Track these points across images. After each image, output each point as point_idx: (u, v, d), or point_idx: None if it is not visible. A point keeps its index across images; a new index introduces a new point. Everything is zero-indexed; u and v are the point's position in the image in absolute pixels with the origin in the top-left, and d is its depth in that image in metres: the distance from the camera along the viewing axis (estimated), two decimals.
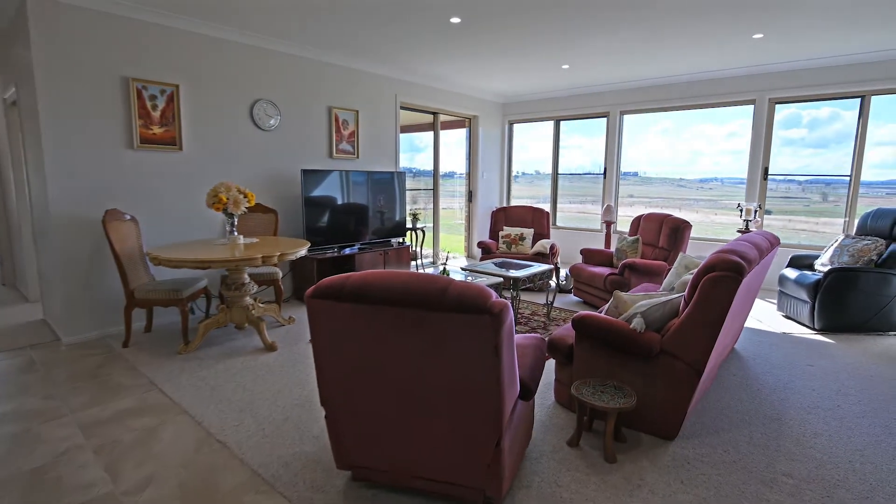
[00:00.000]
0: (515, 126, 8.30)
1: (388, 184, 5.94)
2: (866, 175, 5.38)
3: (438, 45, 5.01)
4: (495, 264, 4.80)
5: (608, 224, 6.94)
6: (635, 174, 7.15)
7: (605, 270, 4.93)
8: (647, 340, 2.54)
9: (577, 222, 7.85)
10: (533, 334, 2.64)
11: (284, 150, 5.20)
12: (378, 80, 6.08)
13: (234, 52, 4.66)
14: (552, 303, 4.74)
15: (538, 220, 6.37)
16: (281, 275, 4.55)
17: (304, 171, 4.99)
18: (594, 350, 2.73)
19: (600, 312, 2.92)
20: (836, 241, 4.71)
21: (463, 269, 4.57)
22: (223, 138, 4.68)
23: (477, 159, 7.82)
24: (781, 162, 5.87)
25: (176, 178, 4.39)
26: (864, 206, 5.38)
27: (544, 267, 4.56)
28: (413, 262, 6.49)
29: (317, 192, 5.15)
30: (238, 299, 3.89)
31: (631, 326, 2.61)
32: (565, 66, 5.86)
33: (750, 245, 2.90)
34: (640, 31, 4.45)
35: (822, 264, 4.63)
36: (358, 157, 5.92)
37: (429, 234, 7.02)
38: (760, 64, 5.56)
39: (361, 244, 5.70)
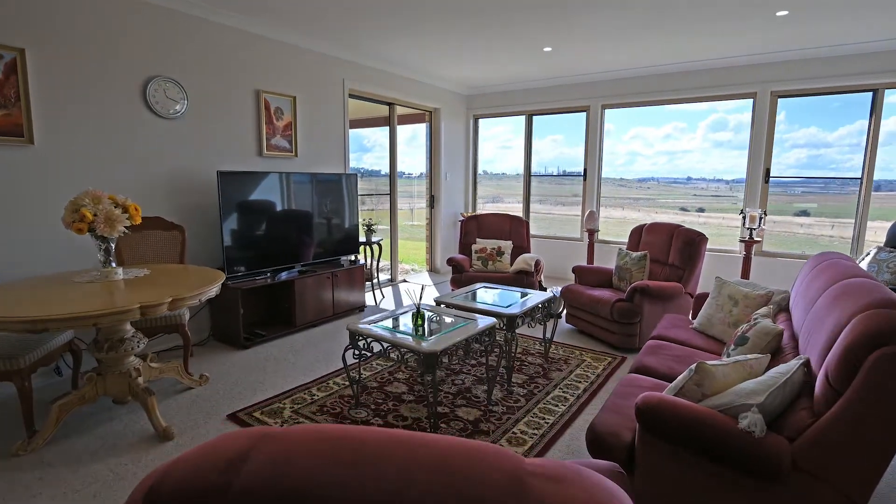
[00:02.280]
0: (481, 121, 7.32)
1: (337, 189, 4.77)
2: (784, 174, 5.52)
3: (397, 17, 3.92)
4: (474, 293, 3.77)
5: (591, 233, 6.11)
6: (580, 174, 6.66)
7: (610, 294, 4.02)
8: (770, 450, 1.59)
9: (550, 228, 6.99)
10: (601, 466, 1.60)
11: (196, 145, 3.91)
12: (321, 60, 4.88)
13: (115, 7, 3.35)
14: (552, 338, 3.77)
15: (516, 231, 5.42)
16: (188, 316, 3.29)
17: (223, 174, 3.74)
18: (673, 459, 1.75)
19: (650, 378, 1.95)
20: (870, 254, 4.06)
21: (439, 302, 3.50)
22: (101, 128, 3.35)
23: (439, 159, 6.77)
24: (713, 163, 6.02)
25: (24, 184, 3.04)
26: (778, 204, 5.54)
27: (544, 296, 3.58)
28: (368, 284, 5.35)
29: (242, 201, 3.91)
30: (115, 363, 2.63)
31: (741, 426, 1.65)
32: (547, 49, 4.93)
33: (865, 277, 2.03)
34: (643, 6, 3.58)
35: None
36: (296, 155, 4.70)
37: (385, 245, 5.89)
38: (765, 52, 4.88)
39: (303, 265, 4.49)
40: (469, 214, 7.08)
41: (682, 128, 6.11)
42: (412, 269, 7.25)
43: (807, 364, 1.81)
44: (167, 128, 3.72)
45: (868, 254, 4.08)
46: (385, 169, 6.21)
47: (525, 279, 4.76)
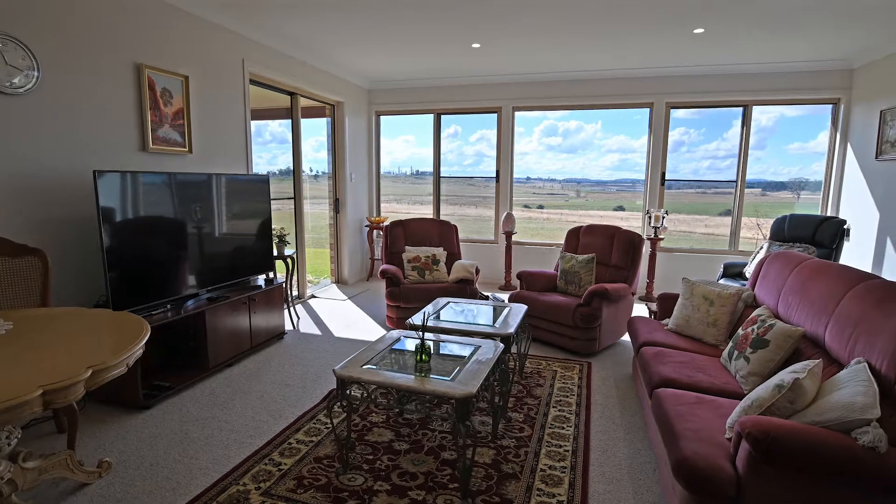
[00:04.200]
0: (383, 119, 6.81)
1: (246, 194, 3.90)
2: (601, 175, 6.57)
3: None
4: (438, 313, 3.37)
5: (508, 235, 6.09)
6: (430, 174, 6.84)
7: (568, 300, 3.95)
8: (893, 466, 1.55)
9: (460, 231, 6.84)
10: None
11: (55, 134, 2.80)
12: (219, 34, 3.95)
13: None
14: (527, 352, 3.54)
15: (446, 237, 5.10)
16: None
17: (102, 175, 2.73)
18: (790, 487, 1.62)
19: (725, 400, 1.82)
20: (762, 248, 4.67)
21: (412, 326, 3.01)
22: None
23: (344, 158, 6.10)
24: (546, 164, 6.63)
25: None
26: (608, 201, 6.61)
27: (521, 308, 3.33)
28: (286, 308, 4.52)
29: (128, 212, 2.91)
30: None
31: (863, 443, 1.59)
32: (476, 45, 4.70)
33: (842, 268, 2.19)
34: (581, 13, 3.57)
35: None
36: (191, 151, 3.72)
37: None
38: (663, 66, 5.33)
39: (211, 289, 3.57)
40: (376, 220, 6.56)
41: (521, 132, 6.40)
42: (311, 282, 6.45)
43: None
44: (7, 108, 2.57)
45: (762, 248, 4.69)
46: (281, 167, 5.37)
47: (467, 288, 4.47)
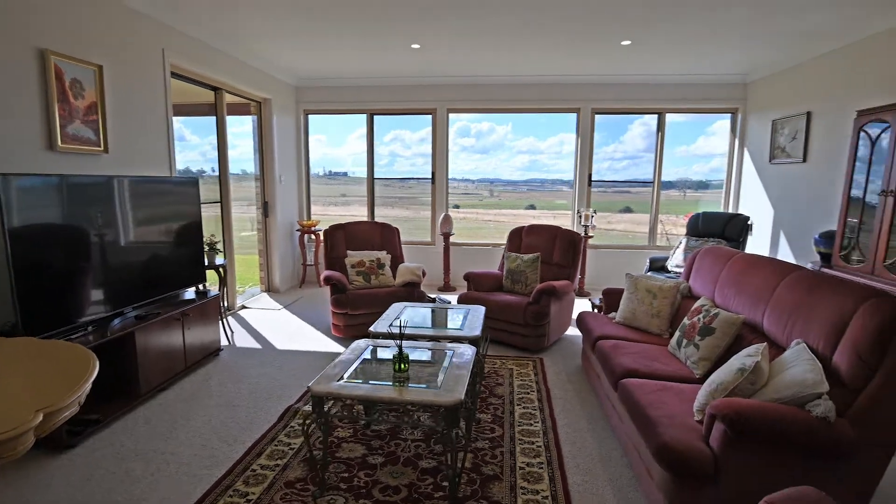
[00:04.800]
0: (311, 118, 6.53)
1: (174, 198, 3.54)
2: (513, 175, 6.93)
3: None
4: (398, 317, 3.30)
5: (446, 236, 6.12)
6: (345, 174, 7.01)
7: (518, 299, 4.05)
8: (842, 430, 1.76)
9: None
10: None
11: None
12: (136, 20, 3.54)
13: None
14: (486, 353, 3.57)
15: (389, 240, 5.00)
16: None
17: (6, 179, 2.33)
18: (758, 459, 1.79)
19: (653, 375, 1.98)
20: (681, 243, 5.12)
21: (375, 334, 2.91)
22: None
23: (272, 159, 5.76)
24: (460, 164, 6.69)
25: None
26: (520, 200, 7.04)
27: (480, 309, 3.35)
28: (221, 324, 4.17)
29: (34, 220, 2.51)
30: None
31: (816, 414, 1.79)
32: (416, 46, 4.66)
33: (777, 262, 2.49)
34: (518, 21, 3.69)
35: (677, 265, 4.94)
36: (107, 150, 3.30)
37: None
38: (589, 74, 5.66)
39: (139, 306, 3.19)
40: (308, 224, 6.28)
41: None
42: (239, 292, 6.01)
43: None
44: None
45: (681, 242, 5.14)
46: (203, 168, 4.95)
47: (415, 291, 4.42)
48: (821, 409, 1.79)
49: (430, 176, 6.41)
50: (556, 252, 4.50)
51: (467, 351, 2.52)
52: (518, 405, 3.05)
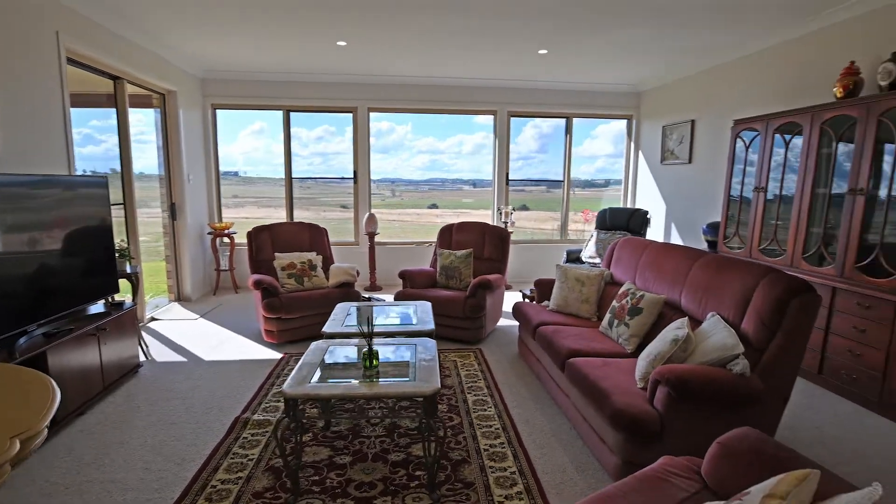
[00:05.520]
0: (220, 113, 6.11)
1: (80, 201, 3.16)
2: (413, 175, 6.95)
3: None
4: (347, 315, 3.28)
5: (371, 235, 6.10)
6: (235, 174, 6.59)
7: (455, 294, 4.20)
8: (753, 383, 2.14)
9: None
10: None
11: None
12: None
13: None
14: None
15: (318, 241, 4.88)
16: None
17: None
18: (693, 414, 2.11)
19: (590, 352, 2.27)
20: (593, 236, 5.64)
21: (331, 334, 2.87)
22: None
23: (180, 156, 5.31)
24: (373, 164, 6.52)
25: None
26: (422, 199, 7.16)
27: (426, 304, 3.43)
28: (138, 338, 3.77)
29: None
30: None
31: (736, 371, 2.15)
32: (342, 43, 4.60)
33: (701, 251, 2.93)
34: (450, 22, 3.87)
35: (591, 256, 5.44)
36: None
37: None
38: (506, 79, 5.99)
39: (45, 323, 2.81)
40: (221, 226, 5.88)
41: (333, 131, 6.42)
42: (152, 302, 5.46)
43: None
44: None
45: (592, 235, 5.66)
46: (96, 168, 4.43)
47: (350, 292, 4.38)
48: (739, 367, 2.15)
49: (338, 176, 6.33)
50: (487, 247, 4.73)
51: (430, 343, 2.60)
52: (469, 394, 3.19)
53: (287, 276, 4.35)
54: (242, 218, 6.40)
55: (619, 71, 5.52)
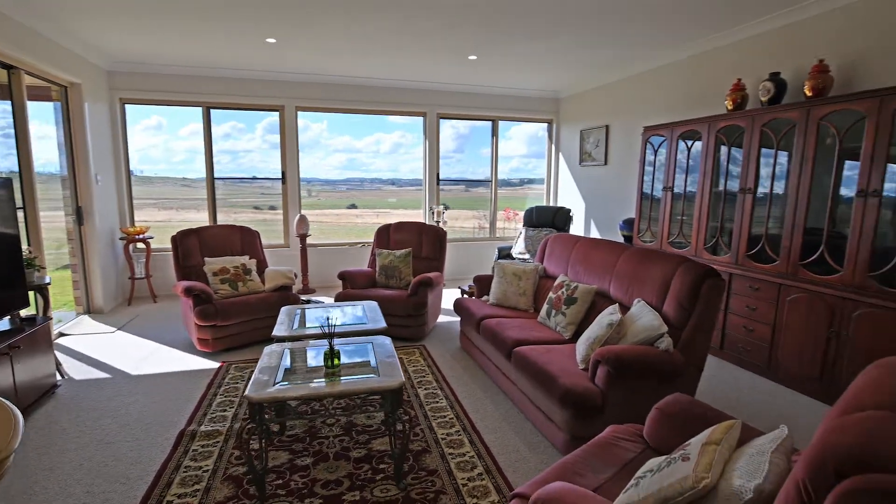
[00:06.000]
0: (130, 108, 5.65)
1: None
2: (330, 174, 6.77)
3: None
4: (301, 318, 3.25)
5: (303, 237, 5.98)
6: (131, 173, 6.17)
7: (397, 293, 4.27)
8: (676, 358, 2.46)
9: None
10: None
11: None
12: None
13: None
14: None
15: (250, 244, 4.70)
16: None
17: None
18: (629, 388, 2.39)
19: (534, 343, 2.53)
20: (521, 233, 5.96)
21: (280, 338, 2.83)
22: None
23: (86, 155, 4.85)
24: (273, 163, 6.21)
25: None
26: (340, 199, 7.05)
27: (373, 303, 3.47)
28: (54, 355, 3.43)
29: None
30: None
31: (662, 348, 2.46)
32: (271, 40, 4.48)
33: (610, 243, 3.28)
34: (388, 22, 3.95)
35: (520, 252, 5.76)
36: None
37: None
38: (436, 81, 6.14)
39: None
40: (134, 231, 5.47)
41: (241, 128, 6.12)
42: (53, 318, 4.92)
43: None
44: None
45: (521, 233, 5.98)
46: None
47: (289, 295, 4.30)
48: (664, 344, 2.47)
49: (249, 175, 6.15)
50: (425, 246, 4.85)
51: (386, 341, 2.67)
52: (420, 388, 3.30)
53: (220, 282, 4.17)
54: (142, 221, 5.91)
55: (541, 78, 5.90)
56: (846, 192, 3.02)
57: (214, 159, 5.95)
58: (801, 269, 3.22)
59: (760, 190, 3.56)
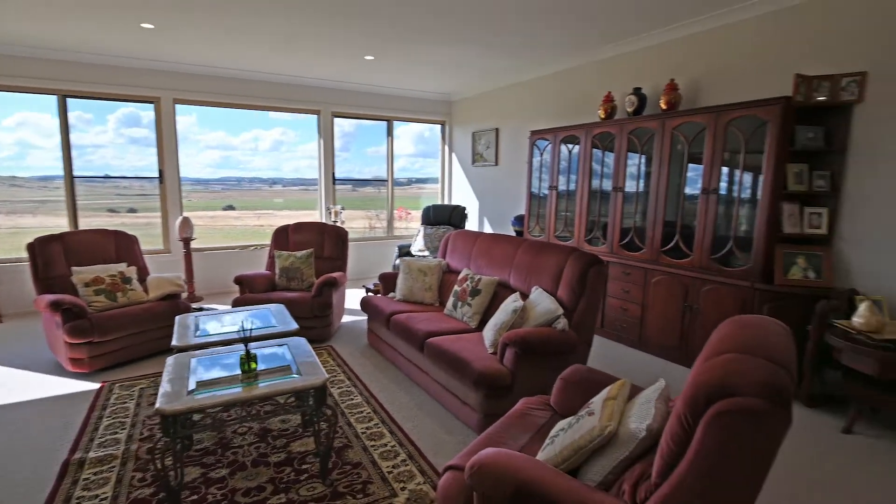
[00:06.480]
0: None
1: None
2: (202, 173, 6.12)
3: None
4: (197, 327, 3.06)
5: (187, 241, 5.53)
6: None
7: (301, 295, 4.17)
8: (573, 337, 2.79)
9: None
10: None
11: None
12: None
13: None
14: None
15: (128, 250, 4.24)
16: None
17: None
18: (534, 366, 2.66)
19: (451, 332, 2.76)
20: (420, 231, 6.13)
21: (179, 348, 2.65)
22: None
23: None
24: (131, 159, 5.63)
25: None
26: (215, 201, 6.36)
27: (279, 305, 3.37)
28: None
29: None
30: None
31: (559, 328, 2.76)
32: (147, 26, 4.09)
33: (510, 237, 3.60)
34: (274, 23, 3.88)
35: (420, 250, 5.93)
36: None
37: None
38: (331, 80, 6.05)
39: None
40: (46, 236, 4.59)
41: (89, 119, 5.38)
42: None
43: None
44: None
45: (419, 231, 6.16)
46: None
47: (179, 304, 3.97)
48: (561, 325, 2.78)
49: (101, 174, 5.60)
50: (327, 246, 4.79)
51: (301, 341, 2.64)
52: (333, 387, 3.29)
53: (94, 294, 3.72)
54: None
55: (435, 81, 6.12)
56: (692, 190, 3.65)
57: (52, 154, 5.12)
58: (662, 255, 3.82)
59: (629, 189, 4.13)
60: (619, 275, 4.13)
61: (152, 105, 5.48)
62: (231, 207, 6.56)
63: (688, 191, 3.67)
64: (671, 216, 3.79)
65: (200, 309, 4.50)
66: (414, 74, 5.75)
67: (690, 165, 3.65)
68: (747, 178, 3.32)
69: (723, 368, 1.16)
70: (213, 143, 6.17)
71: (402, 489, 2.20)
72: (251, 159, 6.42)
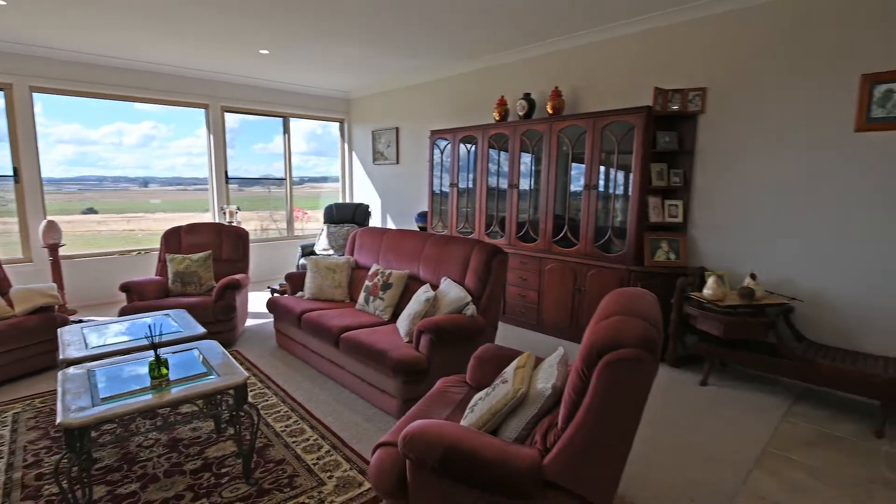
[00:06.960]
0: None
1: None
2: (54, 171, 5.29)
3: None
4: (84, 338, 2.81)
5: (54, 248, 4.92)
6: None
7: (200, 300, 3.94)
8: (482, 322, 3.03)
9: None
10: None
11: None
12: None
13: None
14: None
15: None
16: None
17: None
18: (446, 350, 2.86)
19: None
20: (323, 230, 6.06)
21: (71, 361, 2.43)
22: None
23: None
24: None
25: None
26: (71, 203, 5.51)
27: (181, 311, 3.18)
28: None
29: None
30: None
31: (468, 314, 2.98)
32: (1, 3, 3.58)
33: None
34: (161, 9, 3.68)
35: (324, 248, 5.88)
36: None
37: None
38: (220, 73, 5.72)
39: None
40: None
41: None
42: None
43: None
44: None
45: (322, 230, 6.09)
46: None
47: (56, 317, 3.56)
48: (470, 311, 3.02)
49: (21, 173, 4.89)
50: (225, 248, 4.57)
51: (213, 343, 2.56)
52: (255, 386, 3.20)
53: None
54: None
55: (333, 78, 6.08)
56: (577, 187, 4.12)
57: None
58: (554, 245, 4.25)
59: (523, 186, 4.52)
60: (517, 265, 4.50)
61: (2, 92, 4.76)
62: (92, 210, 5.74)
63: (573, 187, 4.14)
64: (560, 210, 4.24)
65: (80, 321, 4.05)
66: (311, 71, 5.67)
67: (574, 164, 4.12)
68: (620, 175, 3.85)
69: (609, 328, 1.43)
70: (67, 136, 5.41)
71: (330, 477, 2.26)
72: (115, 156, 5.71)
